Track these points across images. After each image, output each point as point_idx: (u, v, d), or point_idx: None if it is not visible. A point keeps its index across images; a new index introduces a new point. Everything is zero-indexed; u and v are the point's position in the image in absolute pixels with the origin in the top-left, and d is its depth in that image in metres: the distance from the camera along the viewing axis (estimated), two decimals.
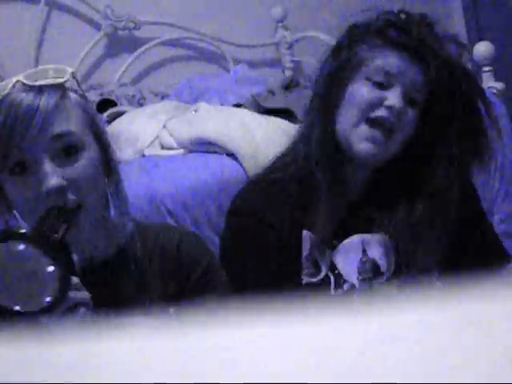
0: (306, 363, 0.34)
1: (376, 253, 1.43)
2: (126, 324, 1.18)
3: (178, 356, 0.35)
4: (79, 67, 3.02)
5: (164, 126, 2.18)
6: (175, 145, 2.11)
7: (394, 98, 1.37)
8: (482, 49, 2.58)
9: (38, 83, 1.14)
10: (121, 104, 2.71)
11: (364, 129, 1.37)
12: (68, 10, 3.05)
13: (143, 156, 2.14)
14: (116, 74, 3.08)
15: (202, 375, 0.34)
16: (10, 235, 0.99)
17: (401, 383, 0.32)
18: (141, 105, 2.73)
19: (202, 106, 2.24)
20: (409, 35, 1.40)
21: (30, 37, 2.92)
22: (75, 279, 1.03)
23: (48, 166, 1.10)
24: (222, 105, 2.44)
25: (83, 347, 0.36)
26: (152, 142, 2.16)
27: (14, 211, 1.18)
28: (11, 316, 1.00)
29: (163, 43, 3.19)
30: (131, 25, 3.11)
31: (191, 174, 1.92)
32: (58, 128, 1.12)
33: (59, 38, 3.01)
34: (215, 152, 2.01)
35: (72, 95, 1.17)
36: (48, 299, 0.98)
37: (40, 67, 1.19)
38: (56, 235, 1.01)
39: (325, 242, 1.41)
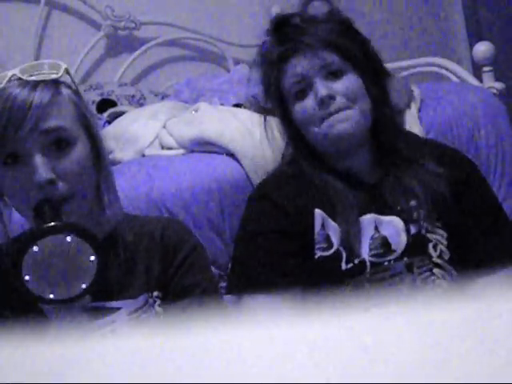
0: (305, 363, 0.34)
1: (387, 231, 1.51)
2: (111, 308, 1.21)
3: (174, 356, 0.35)
4: (79, 67, 3.02)
5: (164, 126, 2.18)
6: (175, 145, 2.11)
7: (317, 91, 1.49)
8: (482, 49, 2.58)
9: (32, 78, 1.18)
10: (121, 104, 2.71)
11: (325, 124, 1.50)
12: (68, 10, 3.05)
13: (143, 156, 2.14)
14: (116, 74, 3.08)
15: (200, 375, 0.34)
16: (57, 228, 1.07)
17: (401, 383, 0.32)
18: (141, 105, 2.73)
19: (202, 105, 2.24)
20: (291, 39, 1.53)
21: (30, 37, 2.92)
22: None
23: (39, 160, 1.14)
24: (221, 105, 2.44)
25: (79, 347, 0.36)
26: (152, 142, 2.16)
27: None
28: (42, 304, 1.10)
29: (163, 43, 3.19)
30: (131, 25, 3.11)
31: (191, 173, 1.92)
32: (51, 123, 1.16)
33: (59, 38, 3.01)
34: (215, 152, 2.01)
35: (65, 91, 1.21)
36: (84, 285, 1.07)
37: (35, 62, 1.22)
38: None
39: (335, 219, 1.51)
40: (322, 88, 1.49)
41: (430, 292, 1.49)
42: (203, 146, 2.04)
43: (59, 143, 1.17)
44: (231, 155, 1.99)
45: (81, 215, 1.19)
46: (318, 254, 1.49)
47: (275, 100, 1.55)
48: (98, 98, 2.73)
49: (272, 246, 1.49)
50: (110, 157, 2.16)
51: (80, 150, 1.19)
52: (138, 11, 3.11)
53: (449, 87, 2.50)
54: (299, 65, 1.50)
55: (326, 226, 1.51)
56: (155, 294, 1.25)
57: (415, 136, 1.80)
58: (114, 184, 1.30)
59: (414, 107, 2.29)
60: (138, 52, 3.13)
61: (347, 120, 1.49)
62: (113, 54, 3.14)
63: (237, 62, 3.20)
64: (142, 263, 1.26)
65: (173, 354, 0.35)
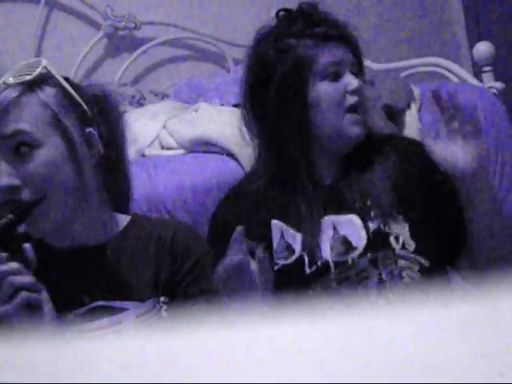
0: (305, 363, 0.34)
1: (346, 230, 1.52)
2: (118, 308, 1.20)
3: (174, 356, 0.35)
4: (79, 67, 3.02)
5: (164, 126, 2.18)
6: (175, 145, 2.11)
7: (352, 81, 1.52)
8: (482, 49, 2.58)
9: (10, 81, 1.16)
10: (121, 104, 2.71)
11: (348, 117, 1.52)
12: (68, 10, 3.05)
13: (143, 156, 2.14)
14: (116, 74, 3.08)
15: (199, 375, 0.34)
16: None
17: (400, 383, 0.32)
18: (141, 105, 2.73)
19: (202, 106, 2.24)
20: (327, 25, 1.55)
21: (30, 37, 2.92)
22: (14, 264, 1.07)
23: (2, 165, 1.13)
24: (221, 105, 2.44)
25: (79, 347, 0.36)
26: (152, 142, 2.16)
27: None
28: None
29: (163, 43, 3.19)
30: (131, 25, 3.11)
31: (191, 174, 1.92)
32: (9, 127, 1.14)
33: (59, 38, 3.00)
34: (215, 152, 2.01)
35: (38, 91, 1.17)
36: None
37: (22, 63, 1.20)
38: None
39: (295, 226, 1.52)
40: (355, 80, 1.52)
41: (399, 285, 1.49)
42: (203, 146, 2.04)
43: (21, 148, 1.14)
44: (231, 155, 1.99)
45: (61, 217, 1.17)
46: (280, 263, 1.50)
47: (295, 77, 1.51)
48: None
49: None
50: None
51: (46, 154, 1.15)
52: (138, 11, 3.11)
53: (449, 87, 2.50)
54: (338, 49, 1.53)
55: (286, 235, 1.52)
56: (162, 299, 1.23)
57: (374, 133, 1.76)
58: (128, 185, 1.29)
59: (413, 107, 2.29)
60: (137, 52, 3.12)
61: (363, 127, 1.54)
62: (113, 54, 3.14)
63: (237, 62, 3.19)
64: (150, 266, 1.24)
65: (174, 355, 0.35)
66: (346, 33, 1.56)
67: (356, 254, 1.51)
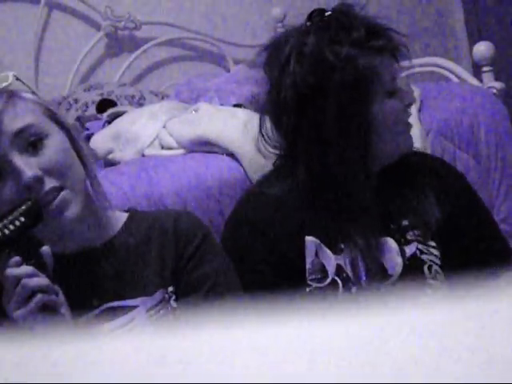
0: (305, 363, 0.34)
1: (383, 256, 1.41)
2: (128, 307, 1.20)
3: (179, 356, 0.35)
4: (79, 67, 3.02)
5: (164, 126, 2.18)
6: (175, 145, 2.11)
7: (407, 96, 1.44)
8: (482, 49, 2.58)
9: None
10: (121, 104, 2.71)
11: (405, 129, 1.44)
12: (68, 10, 3.05)
13: (143, 156, 2.14)
14: (116, 74, 3.08)
15: (202, 375, 0.34)
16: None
17: (400, 383, 0.32)
18: (141, 105, 2.73)
19: (202, 106, 2.24)
20: (386, 37, 1.44)
21: (30, 37, 2.92)
22: (28, 267, 1.07)
23: (19, 161, 1.13)
24: (221, 105, 2.44)
25: (80, 346, 0.36)
26: (152, 142, 2.16)
27: None
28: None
29: (163, 43, 3.19)
30: (131, 25, 3.11)
31: (191, 174, 1.92)
32: (18, 124, 1.15)
33: (59, 38, 3.01)
34: (215, 152, 2.01)
35: (22, 93, 1.20)
36: None
37: None
38: (7, 231, 1.07)
39: (330, 246, 1.39)
40: (407, 92, 1.44)
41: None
42: (203, 146, 2.04)
43: (33, 141, 1.15)
44: (231, 155, 1.99)
45: (78, 213, 1.16)
46: (313, 285, 1.39)
47: (360, 90, 1.35)
48: (97, 98, 2.73)
49: (260, 279, 1.37)
50: (110, 157, 2.16)
51: (55, 142, 1.17)
52: (138, 11, 3.11)
53: (449, 87, 2.50)
54: (392, 63, 1.42)
55: (321, 255, 1.39)
56: (170, 289, 1.23)
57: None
58: (101, 185, 1.28)
59: (414, 107, 2.29)
60: (137, 52, 3.13)
61: (411, 136, 1.47)
62: (113, 54, 3.14)
63: (237, 62, 3.19)
64: (155, 258, 1.24)
65: (186, 352, 0.35)
66: (399, 45, 1.46)
67: (390, 282, 1.40)
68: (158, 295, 1.22)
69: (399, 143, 1.42)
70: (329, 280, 1.39)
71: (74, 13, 3.06)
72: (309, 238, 1.38)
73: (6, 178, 1.14)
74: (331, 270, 1.39)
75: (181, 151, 2.08)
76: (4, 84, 1.19)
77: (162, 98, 2.86)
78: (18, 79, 1.21)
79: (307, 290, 1.38)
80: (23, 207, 1.10)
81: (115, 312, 1.19)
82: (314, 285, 1.39)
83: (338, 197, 1.38)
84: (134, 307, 1.20)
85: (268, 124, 1.44)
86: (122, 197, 1.83)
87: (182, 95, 2.79)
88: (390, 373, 0.33)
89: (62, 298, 1.10)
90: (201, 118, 2.12)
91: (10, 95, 1.17)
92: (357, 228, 1.38)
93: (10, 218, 1.09)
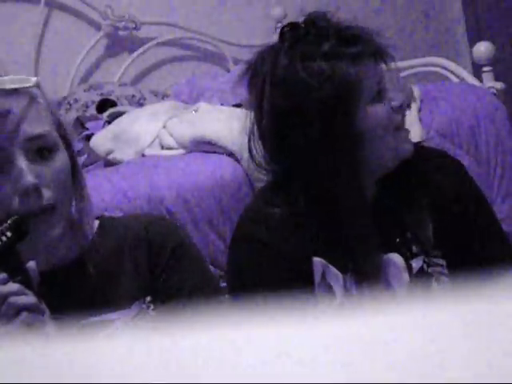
0: (304, 363, 0.34)
1: (389, 274, 1.36)
2: (105, 321, 1.18)
3: (172, 357, 0.35)
4: (79, 67, 3.02)
5: (164, 126, 2.18)
6: (175, 145, 2.11)
7: (395, 96, 1.37)
8: (482, 49, 2.58)
9: (7, 87, 1.14)
10: (121, 104, 2.71)
11: (398, 135, 1.36)
12: (68, 10, 3.05)
13: (143, 156, 2.14)
14: (116, 74, 3.08)
15: (196, 376, 0.34)
16: None
17: (400, 383, 0.32)
18: (141, 105, 2.73)
19: (202, 106, 2.24)
20: (362, 42, 1.35)
21: (30, 37, 2.92)
22: (15, 285, 1.04)
23: (23, 164, 1.11)
24: (221, 105, 2.44)
25: (76, 347, 0.36)
26: (152, 142, 2.16)
27: None
28: None
29: (163, 43, 3.19)
30: (131, 25, 3.11)
31: (191, 174, 1.92)
32: (33, 129, 1.13)
33: (59, 38, 3.01)
34: (215, 152, 2.01)
35: (40, 99, 1.17)
36: None
37: (3, 78, 1.20)
38: None
39: (338, 266, 1.34)
40: (397, 94, 1.39)
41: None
42: (203, 146, 2.04)
43: (42, 151, 1.13)
44: (231, 155, 1.99)
45: (61, 228, 1.14)
46: (322, 307, 1.32)
47: (341, 106, 1.31)
48: (97, 98, 2.73)
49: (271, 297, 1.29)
50: (110, 157, 2.16)
51: (61, 159, 1.15)
52: (138, 11, 3.11)
53: (449, 87, 2.51)
54: (377, 67, 1.35)
55: (328, 275, 1.34)
56: (148, 299, 1.20)
57: None
58: (88, 194, 1.23)
59: (414, 107, 2.29)
60: (137, 52, 3.13)
61: (410, 140, 1.39)
62: (113, 54, 3.14)
63: (237, 62, 3.19)
64: (130, 269, 1.21)
65: (165, 355, 0.35)
66: (381, 47, 1.36)
67: (396, 299, 1.29)
68: (135, 307, 1.19)
69: (394, 148, 1.35)
70: (337, 303, 1.34)
71: (74, 13, 3.06)
72: (316, 259, 1.33)
73: (4, 176, 1.12)
74: (338, 290, 1.34)
75: (181, 151, 2.09)
76: (26, 84, 1.17)
77: (162, 98, 2.86)
78: (38, 86, 1.19)
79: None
80: (9, 222, 1.06)
81: (95, 327, 1.16)
82: (322, 307, 1.33)
83: (335, 213, 1.34)
84: (113, 321, 1.17)
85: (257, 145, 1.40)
86: (122, 197, 1.83)
87: (182, 95, 2.80)
88: (390, 373, 0.33)
89: (47, 316, 1.07)
90: (201, 118, 2.12)
91: (32, 98, 1.16)
92: (358, 245, 1.34)
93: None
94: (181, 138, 2.09)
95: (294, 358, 0.34)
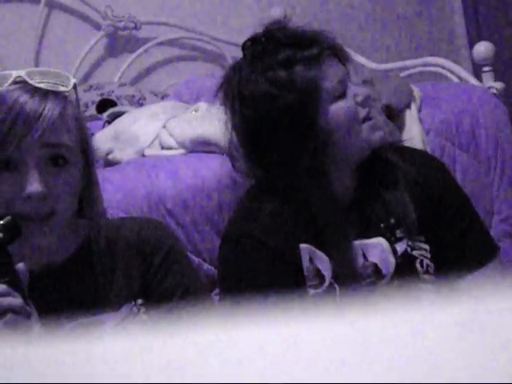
0: (304, 363, 0.34)
1: (376, 257, 1.44)
2: (95, 323, 1.17)
3: (172, 357, 0.35)
4: (79, 67, 3.02)
5: (164, 126, 2.18)
6: (175, 145, 2.11)
7: (359, 91, 1.43)
8: (482, 49, 2.58)
9: (41, 86, 1.12)
10: (121, 104, 2.71)
11: (365, 126, 1.43)
12: (68, 10, 3.05)
13: (143, 156, 2.14)
14: (116, 74, 3.08)
15: (197, 376, 0.34)
16: None
17: (400, 383, 0.32)
18: (141, 105, 2.73)
19: (202, 106, 2.24)
20: (317, 44, 1.42)
21: (30, 37, 2.92)
22: (2, 287, 1.03)
23: (35, 172, 1.09)
24: (221, 105, 2.44)
25: (81, 346, 0.36)
26: (152, 142, 2.16)
27: None
28: None
29: (163, 43, 3.19)
30: (131, 25, 3.11)
31: (191, 174, 1.92)
32: (56, 138, 1.12)
33: (59, 38, 3.01)
34: (215, 152, 2.01)
35: (70, 107, 1.15)
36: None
37: (42, 68, 1.18)
38: None
39: (324, 251, 1.42)
40: (361, 89, 1.45)
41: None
42: (203, 146, 2.04)
43: (57, 159, 1.12)
44: None
45: (55, 234, 1.14)
46: (311, 291, 1.42)
47: (303, 109, 1.38)
48: (97, 98, 2.73)
49: (265, 290, 1.37)
50: (110, 157, 2.16)
51: (75, 172, 1.14)
52: (138, 11, 3.11)
53: (449, 87, 2.51)
54: (336, 66, 1.42)
55: (315, 259, 1.42)
56: (139, 301, 1.19)
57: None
58: (101, 197, 1.24)
59: (414, 107, 2.29)
60: (138, 52, 3.13)
61: (381, 128, 1.46)
62: (113, 54, 3.14)
63: None
64: (120, 271, 1.20)
65: (157, 357, 0.35)
66: (337, 47, 1.44)
67: (385, 281, 1.43)
68: (125, 309, 1.18)
69: (365, 139, 1.42)
70: (326, 284, 1.41)
71: (74, 13, 3.06)
72: (302, 246, 1.41)
73: (13, 173, 1.11)
74: (328, 274, 1.41)
75: (181, 151, 2.08)
76: (63, 88, 1.14)
77: (162, 98, 2.86)
78: (75, 87, 1.17)
79: (309, 295, 1.40)
80: (2, 222, 1.06)
81: (85, 328, 1.15)
82: (312, 291, 1.41)
83: (308, 208, 1.42)
84: (103, 323, 1.16)
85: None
86: (121, 197, 1.83)
87: (182, 95, 2.80)
88: (389, 373, 0.33)
89: (34, 319, 1.06)
90: (201, 118, 2.12)
91: (64, 105, 1.13)
92: (330, 235, 1.41)
93: None
94: (181, 138, 2.09)
95: (292, 357, 0.34)
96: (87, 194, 1.20)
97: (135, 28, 3.11)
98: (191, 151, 2.06)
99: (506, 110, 2.39)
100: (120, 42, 3.14)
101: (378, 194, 1.46)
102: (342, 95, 1.41)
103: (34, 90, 1.11)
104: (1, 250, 1.05)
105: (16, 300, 1.04)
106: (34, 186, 1.08)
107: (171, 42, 3.22)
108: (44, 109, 1.09)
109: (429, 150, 2.18)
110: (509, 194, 2.33)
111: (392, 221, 1.45)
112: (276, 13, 3.30)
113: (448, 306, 0.36)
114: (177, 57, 3.26)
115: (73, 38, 3.03)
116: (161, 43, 3.18)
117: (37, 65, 2.93)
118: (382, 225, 1.45)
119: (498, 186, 2.32)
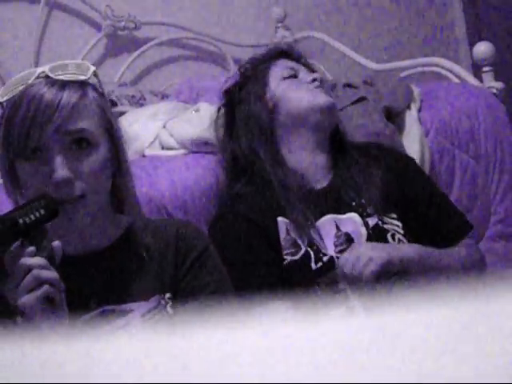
0: (304, 363, 0.34)
1: (348, 228, 1.63)
2: (125, 311, 1.21)
3: (177, 355, 0.35)
4: None
5: (164, 126, 2.18)
6: (175, 145, 2.11)
7: (308, 75, 1.77)
8: (482, 49, 2.58)
9: (61, 78, 1.19)
10: (121, 104, 2.71)
11: (312, 85, 1.73)
12: (68, 10, 3.05)
13: (143, 156, 2.14)
14: (116, 74, 3.08)
15: (201, 375, 0.34)
16: None
17: (400, 383, 0.32)
18: (141, 105, 2.73)
19: (202, 105, 2.24)
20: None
21: (30, 37, 2.92)
22: (41, 259, 1.09)
23: (59, 159, 1.15)
24: None
25: (81, 346, 0.36)
26: (152, 142, 2.16)
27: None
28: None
29: (163, 43, 3.19)
30: (131, 25, 3.11)
31: (191, 174, 1.92)
32: (76, 124, 1.18)
33: (59, 38, 3.01)
34: (215, 152, 2.01)
35: (92, 93, 1.22)
36: None
37: (63, 62, 1.23)
38: (22, 221, 1.10)
39: (300, 224, 1.61)
40: (311, 74, 1.76)
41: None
42: (203, 146, 2.04)
43: (81, 143, 1.18)
44: None
45: (88, 217, 1.19)
46: (288, 258, 1.60)
47: (255, 87, 1.75)
48: None
49: (249, 258, 1.58)
50: None
51: (100, 154, 1.20)
52: (138, 11, 3.11)
53: (449, 87, 2.50)
54: (289, 62, 1.80)
55: (291, 231, 1.61)
56: (167, 295, 1.24)
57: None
58: (134, 188, 1.31)
59: (413, 107, 2.29)
60: (137, 52, 3.13)
61: (329, 95, 1.76)
62: (113, 54, 3.14)
63: (237, 62, 3.19)
64: (155, 265, 1.26)
65: (181, 354, 0.35)
66: (286, 48, 1.86)
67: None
68: (154, 300, 1.23)
69: (311, 99, 1.70)
70: (302, 252, 1.60)
71: (74, 13, 3.06)
72: (280, 219, 1.62)
73: (41, 163, 1.17)
74: (303, 242, 1.61)
75: (181, 151, 2.08)
76: (82, 77, 1.22)
77: (162, 98, 2.86)
78: (96, 75, 1.25)
79: (284, 263, 1.59)
80: (42, 201, 1.13)
81: (112, 315, 1.20)
82: (289, 258, 1.59)
83: (270, 185, 1.66)
84: (130, 311, 1.21)
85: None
86: None
87: (181, 95, 2.79)
88: (389, 373, 0.33)
89: (63, 296, 1.12)
90: (201, 118, 2.12)
91: (84, 92, 1.20)
92: (291, 212, 1.62)
93: (29, 208, 1.12)
94: (181, 138, 2.09)
95: (292, 358, 0.34)
96: (118, 181, 1.26)
97: (135, 28, 3.11)
98: (191, 151, 2.06)
99: (506, 109, 2.40)
100: (120, 42, 3.14)
101: (351, 177, 1.69)
102: (292, 77, 1.76)
103: (54, 82, 1.18)
104: (39, 227, 1.12)
105: (53, 273, 1.10)
106: (60, 172, 1.15)
107: (171, 42, 3.22)
108: (62, 97, 1.17)
109: (428, 150, 2.18)
110: (507, 195, 2.33)
111: (363, 200, 1.66)
112: (276, 13, 3.30)
113: (448, 306, 0.36)
114: (177, 57, 3.26)
115: (73, 38, 3.03)
116: (161, 43, 3.18)
117: (37, 65, 2.93)
118: (353, 203, 1.66)
119: (496, 186, 2.32)
